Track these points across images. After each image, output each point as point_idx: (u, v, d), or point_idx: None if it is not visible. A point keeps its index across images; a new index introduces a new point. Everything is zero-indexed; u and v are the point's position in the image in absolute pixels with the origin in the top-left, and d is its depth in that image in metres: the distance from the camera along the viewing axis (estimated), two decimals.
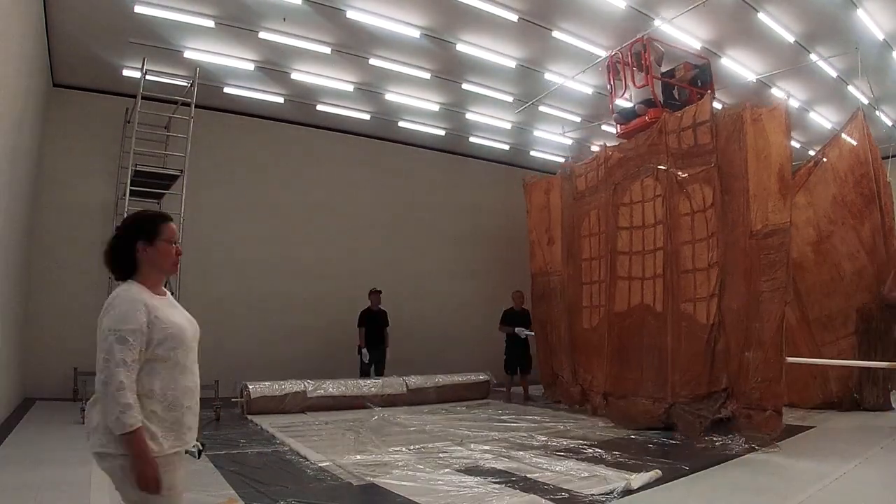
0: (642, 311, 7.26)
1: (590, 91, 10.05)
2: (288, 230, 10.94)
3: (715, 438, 5.98)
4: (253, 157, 10.77)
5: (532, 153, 13.23)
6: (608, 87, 8.45)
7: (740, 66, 9.04)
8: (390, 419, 7.65)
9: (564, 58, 8.99)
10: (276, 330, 10.40)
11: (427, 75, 9.41)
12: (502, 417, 7.90)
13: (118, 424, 1.94)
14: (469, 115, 11.15)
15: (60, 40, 8.05)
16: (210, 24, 7.73)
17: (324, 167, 11.50)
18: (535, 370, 10.34)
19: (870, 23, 7.80)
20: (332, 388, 8.46)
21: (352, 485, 4.42)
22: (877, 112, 9.86)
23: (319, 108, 10.55)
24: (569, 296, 8.78)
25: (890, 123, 10.69)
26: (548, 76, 9.52)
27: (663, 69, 8.11)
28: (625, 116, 8.25)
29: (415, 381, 9.20)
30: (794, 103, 10.07)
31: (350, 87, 9.76)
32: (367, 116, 10.99)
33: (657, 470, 4.55)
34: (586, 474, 4.61)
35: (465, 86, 9.86)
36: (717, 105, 7.45)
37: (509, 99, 10.41)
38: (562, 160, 12.51)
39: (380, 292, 10.16)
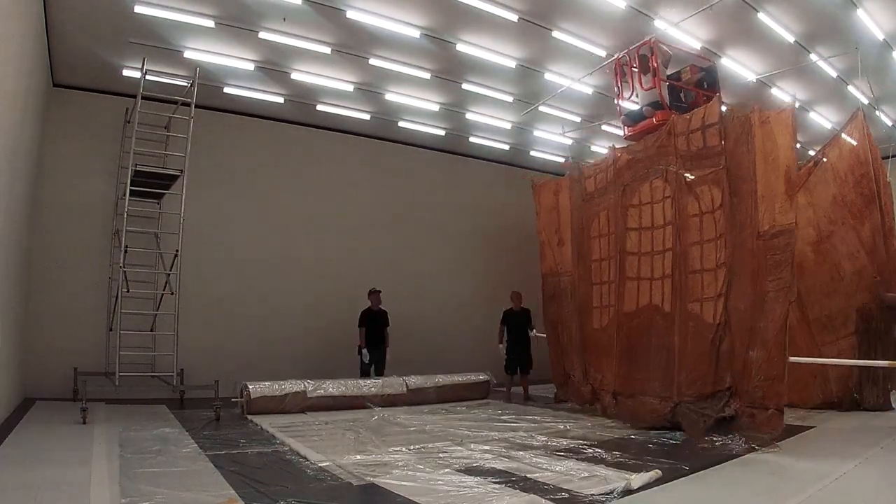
0: (651, 312, 7.34)
1: (590, 91, 10.05)
2: (288, 230, 10.95)
3: (715, 438, 5.99)
4: (253, 157, 10.77)
5: (532, 153, 13.23)
6: (615, 89, 8.49)
7: (740, 66, 9.04)
8: (390, 419, 7.65)
9: (564, 58, 8.99)
10: (275, 330, 10.40)
11: (427, 75, 9.41)
12: (502, 417, 7.90)
13: None
14: (469, 115, 11.15)
15: (60, 40, 8.05)
16: (210, 24, 7.73)
17: (324, 167, 11.50)
18: (535, 370, 10.36)
19: (870, 23, 7.80)
20: (332, 388, 8.45)
21: (352, 485, 4.42)
22: (877, 112, 9.86)
23: (319, 108, 10.55)
24: (579, 296, 8.85)
25: (890, 123, 10.69)
26: (549, 76, 9.53)
27: (669, 71, 8.14)
28: (632, 118, 8.32)
29: (415, 381, 9.20)
30: (792, 102, 10.07)
31: (350, 87, 9.77)
32: (367, 116, 10.99)
33: (657, 470, 4.55)
34: (586, 474, 4.61)
35: (465, 86, 9.86)
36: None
37: (509, 99, 10.41)
38: (562, 160, 12.55)
39: (379, 292, 10.15)
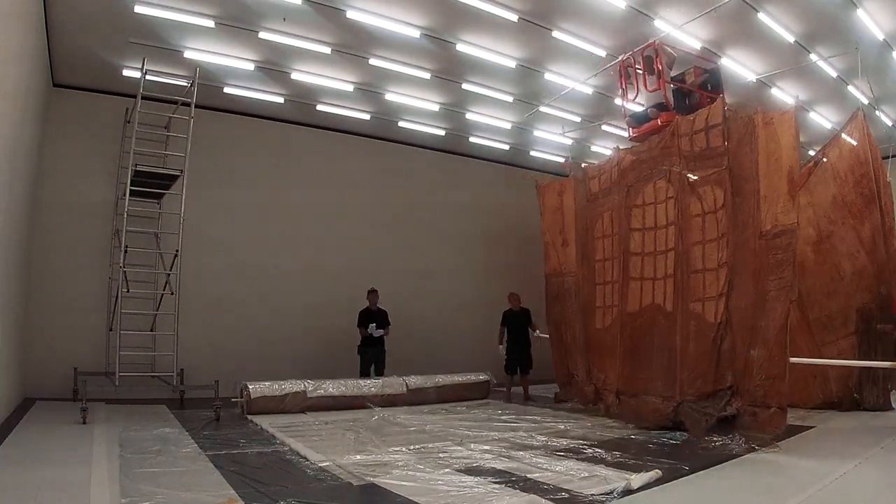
0: (653, 311, 7.37)
1: (590, 91, 10.05)
2: (288, 230, 10.95)
3: (715, 438, 5.99)
4: (253, 156, 10.77)
5: (532, 153, 13.23)
6: (620, 90, 8.52)
7: (740, 66, 9.04)
8: (390, 419, 7.65)
9: (564, 58, 9.00)
10: (275, 330, 10.40)
11: (427, 75, 9.41)
12: (502, 417, 7.90)
13: None
14: (469, 115, 11.15)
15: (60, 40, 8.05)
16: (210, 24, 7.73)
17: (324, 167, 11.51)
18: (535, 370, 10.35)
19: (870, 23, 7.80)
20: (332, 388, 8.44)
21: (352, 485, 4.42)
22: (877, 112, 9.86)
23: (319, 108, 10.55)
24: (583, 296, 8.88)
25: (890, 123, 10.69)
26: (549, 76, 9.53)
27: (673, 73, 8.16)
28: (637, 120, 8.37)
29: (415, 381, 9.20)
30: (794, 103, 10.07)
31: (350, 87, 9.76)
32: (367, 116, 10.99)
33: (657, 470, 4.55)
34: (586, 474, 4.61)
35: (465, 86, 9.86)
36: None
37: (509, 99, 10.41)
38: (562, 160, 12.55)
39: (377, 291, 10.14)
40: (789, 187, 6.03)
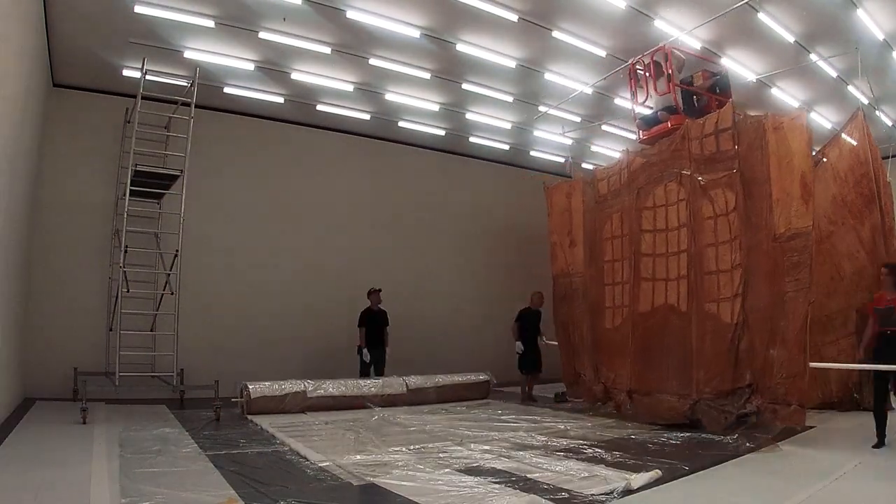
0: (666, 311, 7.47)
1: (590, 91, 10.05)
2: (288, 230, 10.95)
3: (721, 436, 5.99)
4: (253, 156, 10.77)
5: (532, 153, 13.23)
6: (630, 93, 8.58)
7: (740, 66, 9.04)
8: (390, 419, 7.65)
9: (564, 58, 9.00)
10: (275, 330, 10.40)
11: (427, 75, 9.41)
12: (502, 417, 7.90)
13: None
14: (469, 115, 11.15)
15: (60, 40, 8.05)
16: (210, 24, 7.73)
17: (324, 167, 11.51)
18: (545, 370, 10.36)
19: (870, 23, 7.79)
20: (332, 388, 8.44)
21: (352, 485, 4.42)
22: (877, 112, 9.86)
23: (319, 108, 10.55)
24: (591, 297, 8.96)
25: (890, 123, 10.69)
26: (549, 76, 9.53)
27: (682, 76, 8.21)
28: (647, 122, 8.43)
29: (415, 381, 9.20)
30: (794, 103, 10.08)
31: (350, 87, 9.76)
32: (367, 116, 10.99)
33: (657, 470, 4.55)
34: (586, 474, 4.61)
35: (465, 86, 9.86)
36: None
37: (509, 99, 10.41)
38: (562, 160, 12.56)
39: (379, 291, 10.11)
40: (802, 191, 6.14)
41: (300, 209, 11.12)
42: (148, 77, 7.94)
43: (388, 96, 10.19)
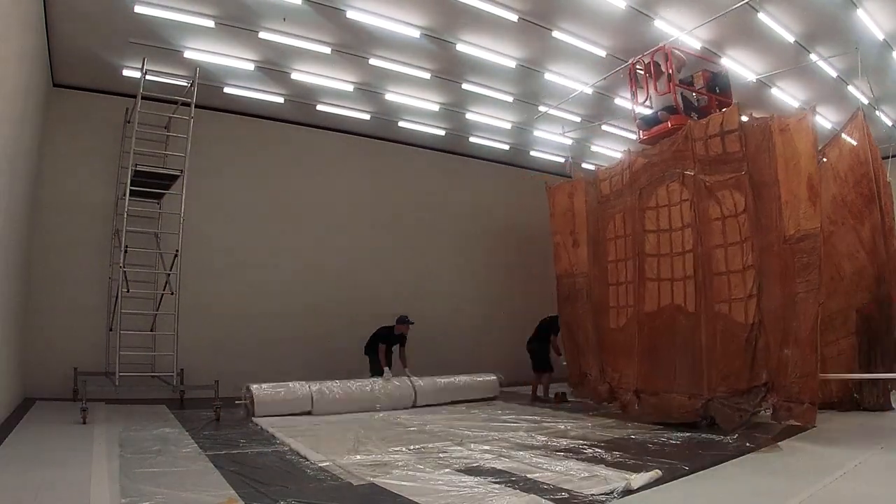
0: (673, 311, 7.50)
1: (590, 91, 10.05)
2: (288, 230, 10.95)
3: (715, 437, 5.99)
4: (253, 156, 10.77)
5: (532, 153, 13.23)
6: (630, 93, 8.60)
7: (740, 66, 9.05)
8: (390, 419, 7.65)
9: (564, 58, 9.00)
10: (275, 329, 10.40)
11: (427, 75, 9.41)
12: (502, 417, 7.90)
13: None
14: (469, 115, 11.15)
15: (60, 40, 8.05)
16: (210, 24, 7.73)
17: (324, 167, 11.51)
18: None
19: (870, 23, 7.80)
20: (337, 388, 8.33)
21: (352, 485, 4.42)
22: (877, 112, 9.86)
23: (319, 108, 10.55)
24: (595, 297, 8.98)
25: (890, 123, 10.69)
26: (549, 76, 9.53)
27: (682, 76, 8.22)
28: (647, 122, 8.44)
29: (423, 381, 9.12)
30: (794, 103, 10.08)
31: (350, 87, 9.76)
32: (367, 116, 10.99)
33: (657, 470, 4.55)
34: (586, 474, 4.61)
35: (465, 86, 9.87)
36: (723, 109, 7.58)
37: (509, 99, 10.41)
38: (562, 160, 12.56)
39: (411, 324, 9.74)
40: (809, 193, 6.17)
41: (300, 209, 11.12)
42: (148, 77, 7.94)
43: (388, 96, 10.19)
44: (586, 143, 12.96)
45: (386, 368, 9.26)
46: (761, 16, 7.70)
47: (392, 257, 11.89)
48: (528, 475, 4.61)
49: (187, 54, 8.45)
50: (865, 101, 9.32)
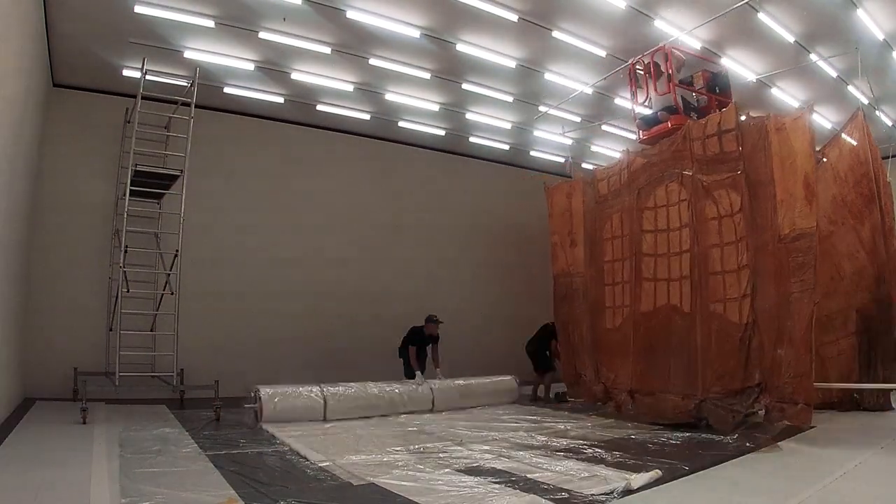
0: (669, 312, 7.51)
1: (590, 91, 10.05)
2: (288, 229, 10.94)
3: (715, 437, 5.99)
4: (253, 156, 10.77)
5: (532, 153, 13.23)
6: (630, 93, 8.60)
7: (740, 66, 9.04)
8: (391, 419, 7.63)
9: (565, 58, 9.00)
10: (276, 330, 10.39)
11: (427, 75, 9.41)
12: (502, 417, 7.90)
13: None
14: (469, 115, 11.15)
15: (60, 40, 8.05)
16: (210, 24, 7.73)
17: (324, 167, 11.51)
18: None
19: (870, 23, 7.80)
20: (352, 393, 7.88)
21: (352, 485, 4.42)
22: (877, 112, 9.86)
23: (319, 108, 10.55)
24: (591, 296, 9.00)
25: (890, 123, 10.69)
26: (549, 76, 9.53)
27: (681, 76, 8.22)
28: (647, 122, 8.46)
29: (442, 384, 8.94)
30: (794, 103, 10.08)
31: (350, 87, 9.76)
32: (367, 116, 10.99)
33: (657, 470, 4.55)
34: (586, 474, 4.61)
35: (465, 86, 9.86)
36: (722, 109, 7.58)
37: (509, 99, 10.41)
38: (562, 160, 12.57)
39: (440, 323, 9.57)
40: (806, 192, 6.18)
41: (300, 209, 11.12)
42: (148, 77, 7.94)
43: (388, 96, 10.18)
44: (586, 143, 12.96)
45: (418, 372, 8.99)
46: (761, 16, 7.70)
47: (392, 257, 11.89)
48: (528, 475, 4.62)
49: (187, 54, 8.44)
50: (865, 101, 9.32)
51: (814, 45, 8.51)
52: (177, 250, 7.89)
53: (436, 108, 10.70)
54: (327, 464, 5.00)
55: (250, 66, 8.94)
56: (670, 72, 7.77)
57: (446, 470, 4.81)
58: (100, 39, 8.09)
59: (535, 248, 11.68)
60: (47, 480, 4.23)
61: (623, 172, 8.53)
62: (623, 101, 9.89)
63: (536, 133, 12.11)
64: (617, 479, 4.35)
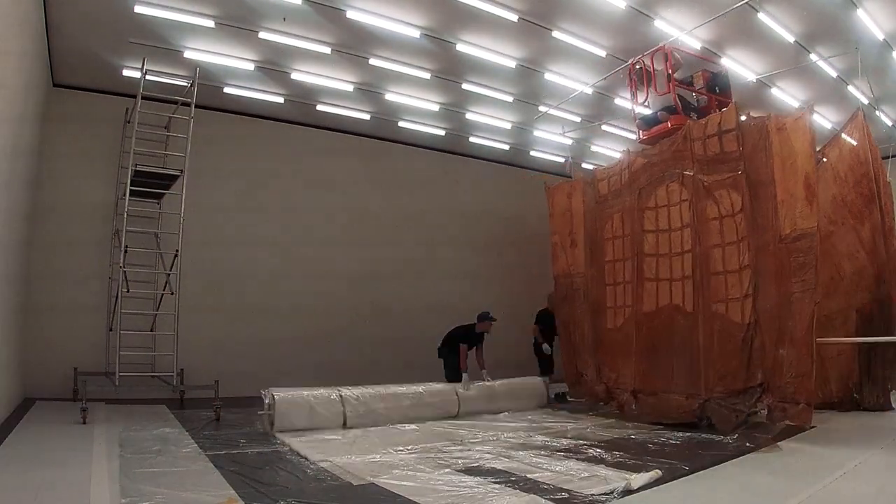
0: (671, 311, 7.53)
1: (590, 91, 10.05)
2: (288, 230, 10.94)
3: (715, 437, 5.99)
4: (253, 156, 10.76)
5: (532, 153, 13.23)
6: (630, 93, 8.61)
7: (740, 66, 9.04)
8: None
9: (565, 58, 9.00)
10: (276, 330, 10.38)
11: (427, 75, 9.41)
12: (502, 417, 7.89)
13: None
14: (469, 115, 11.15)
15: (61, 40, 8.05)
16: (210, 24, 7.73)
17: (324, 167, 11.50)
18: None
19: (870, 23, 7.80)
20: (378, 396, 7.36)
21: (352, 485, 4.42)
22: (877, 112, 9.86)
23: (319, 108, 10.54)
24: (592, 297, 9.01)
25: (890, 123, 10.69)
26: (549, 76, 9.53)
27: (681, 76, 8.23)
28: (647, 122, 8.47)
29: (468, 388, 8.36)
30: (794, 103, 10.08)
31: (350, 87, 9.76)
32: (367, 116, 10.99)
33: (657, 470, 4.55)
34: (586, 474, 4.61)
35: (465, 86, 9.86)
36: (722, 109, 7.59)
37: (509, 99, 10.41)
38: (562, 160, 12.57)
39: (493, 321, 9.01)
40: (806, 192, 6.19)
41: (300, 209, 11.11)
42: (148, 77, 7.94)
43: (388, 96, 10.18)
44: (586, 143, 12.96)
45: (465, 374, 8.54)
46: (761, 16, 7.70)
47: (392, 257, 11.88)
48: (528, 475, 4.62)
49: (187, 54, 8.44)
50: (865, 101, 9.32)
51: (814, 45, 8.51)
52: (177, 250, 7.89)
53: (436, 108, 10.70)
54: (327, 464, 5.00)
55: (250, 66, 8.94)
56: (670, 72, 7.78)
57: (446, 470, 4.81)
58: (100, 39, 8.09)
59: (536, 248, 11.67)
60: (47, 480, 4.23)
61: (624, 172, 8.55)
62: (623, 101, 9.89)
63: (536, 133, 12.11)
64: (617, 479, 4.35)
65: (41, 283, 8.71)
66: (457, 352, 8.77)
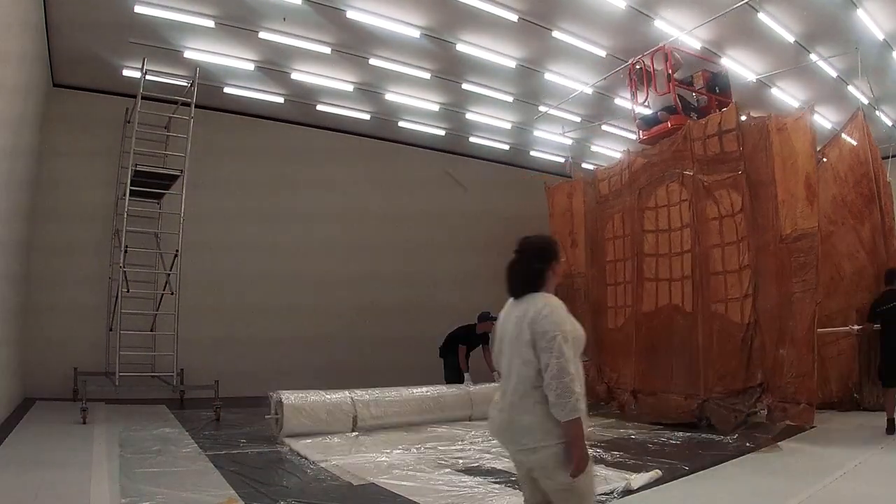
0: (671, 311, 7.54)
1: (590, 91, 10.05)
2: (288, 230, 10.92)
3: (715, 437, 5.99)
4: (253, 156, 10.75)
5: (532, 153, 13.23)
6: (630, 93, 8.62)
7: (740, 66, 9.04)
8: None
9: (565, 58, 8.99)
10: (276, 330, 10.36)
11: (427, 75, 9.41)
12: None
13: (571, 411, 2.25)
14: (469, 115, 11.15)
15: (61, 40, 8.05)
16: (210, 24, 7.72)
17: (324, 167, 11.48)
18: None
19: (870, 23, 7.79)
20: (392, 398, 7.08)
21: (352, 485, 4.42)
22: (877, 112, 9.86)
23: (319, 108, 10.55)
24: (593, 297, 9.04)
25: (890, 123, 10.69)
26: (549, 76, 9.53)
27: (681, 76, 8.23)
28: (647, 122, 8.48)
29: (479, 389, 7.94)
30: (794, 103, 10.08)
31: (350, 87, 9.76)
32: (367, 116, 10.99)
33: (657, 470, 4.55)
34: None
35: (465, 86, 9.86)
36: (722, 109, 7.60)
37: (509, 99, 10.41)
38: (562, 160, 12.56)
39: (494, 320, 8.89)
40: (807, 192, 6.20)
41: (300, 209, 11.09)
42: (148, 77, 7.94)
43: (388, 96, 10.18)
44: (586, 143, 12.95)
45: (467, 374, 8.36)
46: (761, 16, 7.69)
47: (392, 257, 11.88)
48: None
49: (187, 54, 8.44)
50: (865, 101, 9.32)
51: (814, 45, 8.51)
52: (177, 250, 7.89)
53: (436, 108, 10.70)
54: (327, 464, 5.00)
55: (250, 66, 8.94)
56: (670, 72, 7.78)
57: (446, 470, 4.81)
58: (100, 39, 8.09)
59: None
60: (47, 480, 4.23)
61: (624, 172, 8.56)
62: (623, 101, 9.89)
63: (536, 133, 12.11)
64: (617, 479, 4.35)
65: (41, 283, 8.70)
66: (456, 352, 8.69)
